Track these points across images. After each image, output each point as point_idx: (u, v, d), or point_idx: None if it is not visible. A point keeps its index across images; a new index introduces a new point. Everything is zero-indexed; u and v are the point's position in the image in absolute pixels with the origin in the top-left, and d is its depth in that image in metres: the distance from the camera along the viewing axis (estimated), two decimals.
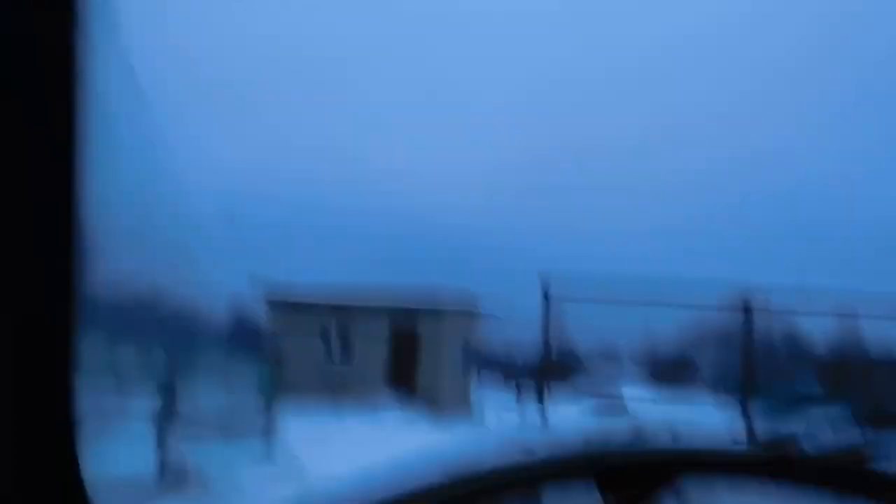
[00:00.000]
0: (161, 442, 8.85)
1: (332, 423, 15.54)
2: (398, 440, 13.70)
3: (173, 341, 11.20)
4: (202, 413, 10.64)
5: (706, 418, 32.22)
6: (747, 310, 23.74)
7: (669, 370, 57.59)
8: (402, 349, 20.69)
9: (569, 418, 27.75)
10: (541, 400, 23.98)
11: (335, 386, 20.27)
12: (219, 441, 10.39)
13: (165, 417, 9.33)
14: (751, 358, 23.39)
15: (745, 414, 22.54)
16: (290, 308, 21.25)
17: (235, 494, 7.66)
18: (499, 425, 19.96)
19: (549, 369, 24.33)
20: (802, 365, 38.04)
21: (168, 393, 9.64)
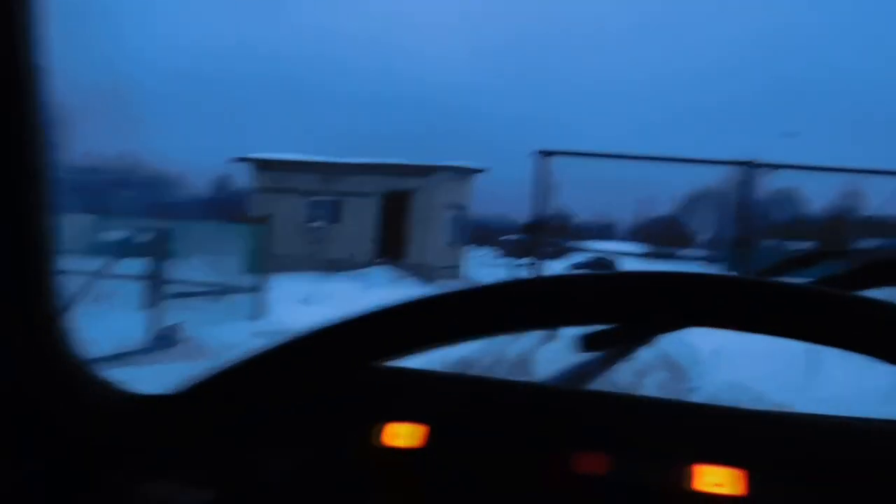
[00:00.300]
0: (151, 308, 8.85)
1: (320, 283, 15.58)
2: (384, 298, 13.81)
3: (158, 207, 11.00)
4: (190, 277, 10.65)
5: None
6: (744, 170, 23.49)
7: (662, 229, 58.37)
8: (392, 209, 20.39)
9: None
10: (531, 258, 24.21)
11: (323, 246, 20.21)
12: (208, 303, 10.45)
13: (154, 283, 9.30)
14: (745, 217, 23.39)
15: (737, 272, 22.87)
16: (276, 168, 20.79)
17: (227, 354, 7.70)
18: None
19: (539, 228, 24.34)
20: (797, 225, 38.38)
21: (155, 259, 9.55)
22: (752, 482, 0.61)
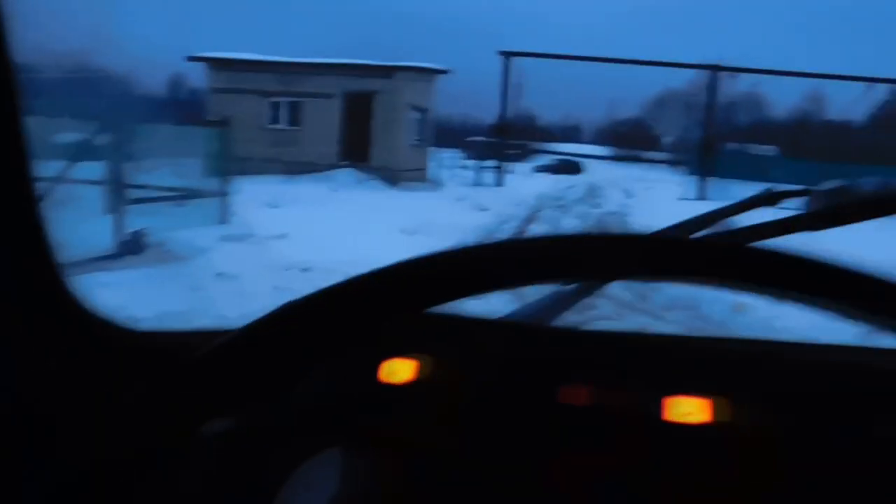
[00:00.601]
0: (113, 213, 8.68)
1: (285, 186, 15.41)
2: (352, 201, 13.77)
3: (116, 112, 10.62)
4: (152, 181, 10.43)
5: (661, 178, 33.22)
6: (710, 73, 23.36)
7: (628, 131, 58.37)
8: (355, 110, 19.98)
9: (525, 178, 28.31)
10: (496, 160, 24.15)
11: (285, 149, 19.86)
12: (172, 208, 10.30)
13: (115, 188, 9.09)
14: (709, 121, 23.48)
15: (701, 174, 22.91)
16: (234, 67, 20.09)
17: (194, 257, 7.68)
18: (453, 187, 20.17)
19: (504, 130, 24.18)
20: (761, 129, 38.60)
21: (115, 162, 9.30)
22: (716, 410, 0.64)
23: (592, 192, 22.39)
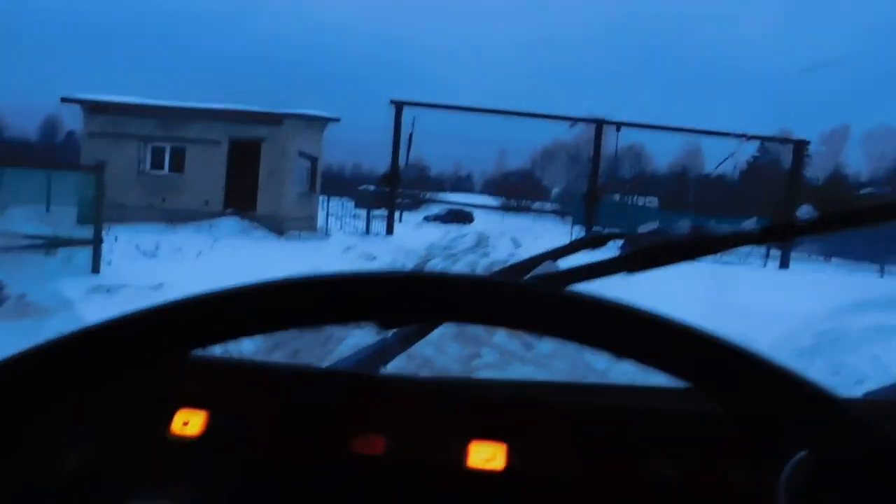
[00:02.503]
0: None
1: (165, 235, 14.80)
2: (235, 250, 13.37)
3: None
4: (16, 228, 9.80)
5: (549, 227, 34.30)
6: (594, 127, 24.48)
7: (517, 182, 60.18)
8: (241, 157, 19.54)
9: (416, 227, 28.54)
10: (386, 209, 24.23)
11: (166, 196, 19.14)
12: (38, 257, 9.68)
13: None
14: (594, 172, 24.48)
15: (586, 224, 23.75)
16: (111, 111, 19.29)
17: (60, 310, 7.21)
18: (342, 236, 20.03)
19: (395, 179, 24.35)
20: (642, 180, 40.70)
21: None
22: (511, 455, 0.63)
23: (482, 242, 22.80)
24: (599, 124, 24.07)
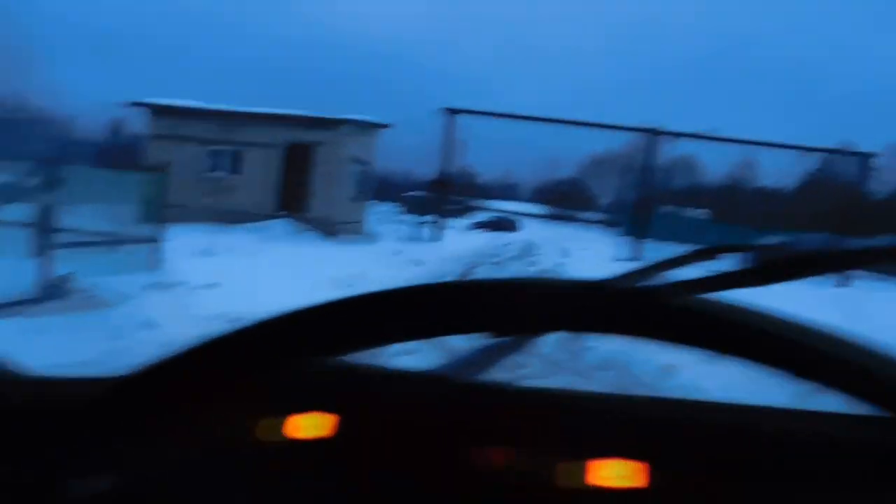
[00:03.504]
0: (38, 257, 8.45)
1: (220, 235, 15.25)
2: (286, 252, 13.70)
3: (49, 153, 10.41)
4: (82, 225, 10.19)
5: (596, 238, 33.96)
6: (647, 136, 24.02)
7: (564, 191, 59.71)
8: (295, 161, 19.97)
9: (462, 234, 28.59)
10: (434, 216, 24.38)
11: (222, 197, 19.68)
12: (101, 253, 10.06)
13: (42, 231, 8.86)
14: (645, 183, 23.98)
15: (635, 235, 23.21)
16: (174, 115, 19.95)
17: (120, 304, 7.52)
18: (390, 240, 20.25)
19: (443, 186, 24.52)
20: (693, 192, 39.82)
21: (44, 205, 9.08)
22: (654, 474, 0.59)
23: (528, 250, 22.70)
24: (653, 134, 23.64)
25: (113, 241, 10.60)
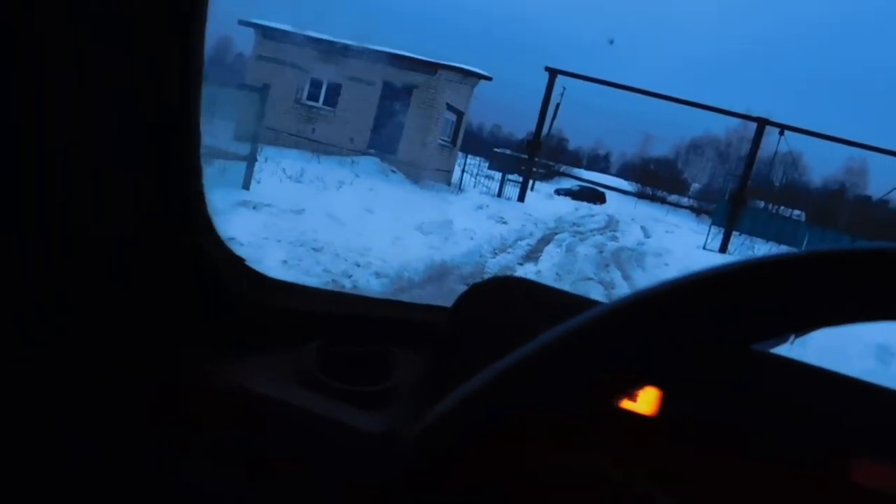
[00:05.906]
0: None
1: (309, 163, 15.40)
2: (372, 190, 13.73)
3: None
4: None
5: (682, 223, 33.05)
6: (758, 127, 22.76)
7: (656, 170, 58.14)
8: (391, 100, 19.91)
9: (546, 198, 28.23)
10: (522, 175, 24.06)
11: (315, 127, 19.84)
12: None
13: None
14: (746, 174, 22.96)
15: (726, 226, 22.10)
16: (280, 38, 20.09)
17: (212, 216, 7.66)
18: (475, 194, 20.11)
19: (536, 147, 24.08)
20: (792, 191, 38.04)
21: None
22: None
23: (611, 224, 22.28)
24: (762, 123, 22.46)
25: (208, 155, 10.80)
